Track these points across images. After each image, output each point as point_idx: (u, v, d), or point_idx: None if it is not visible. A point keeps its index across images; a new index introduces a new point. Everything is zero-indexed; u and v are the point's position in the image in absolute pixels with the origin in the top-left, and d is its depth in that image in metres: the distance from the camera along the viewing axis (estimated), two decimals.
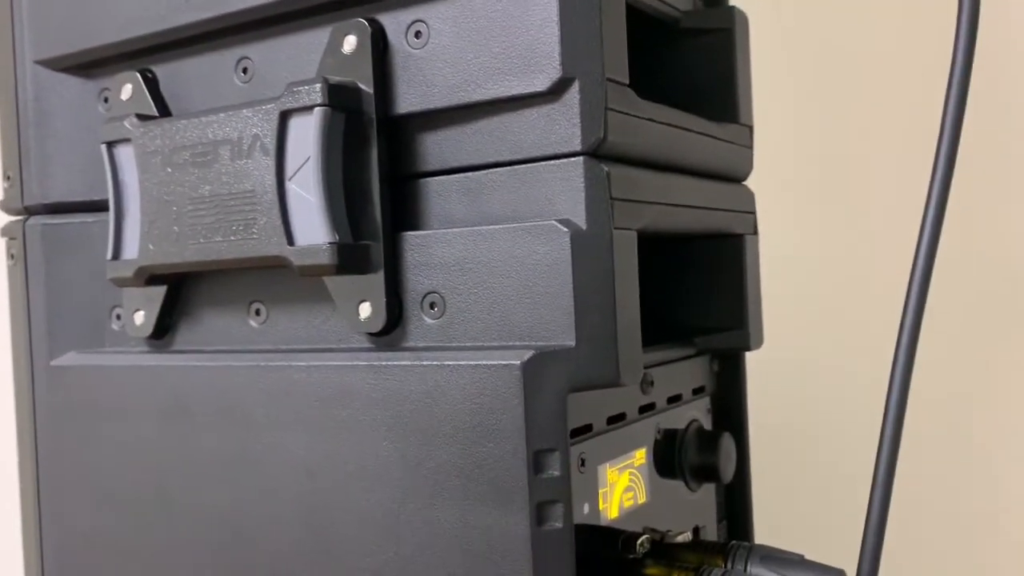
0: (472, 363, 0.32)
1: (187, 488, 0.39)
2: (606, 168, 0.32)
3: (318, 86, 0.33)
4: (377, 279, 0.34)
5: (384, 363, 0.34)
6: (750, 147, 0.45)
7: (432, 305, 0.34)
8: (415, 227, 0.35)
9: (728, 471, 0.42)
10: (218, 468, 0.38)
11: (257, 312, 0.38)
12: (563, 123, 0.32)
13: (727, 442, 0.42)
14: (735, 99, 0.43)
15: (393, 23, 0.35)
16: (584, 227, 0.32)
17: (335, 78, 0.34)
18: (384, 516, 0.34)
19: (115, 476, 0.41)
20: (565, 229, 0.32)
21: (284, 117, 0.34)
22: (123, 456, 0.40)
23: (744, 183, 0.45)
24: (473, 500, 0.32)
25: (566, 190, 0.32)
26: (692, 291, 0.44)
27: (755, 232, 0.45)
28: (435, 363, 0.33)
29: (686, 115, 0.38)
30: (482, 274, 0.33)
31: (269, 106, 0.34)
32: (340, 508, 0.35)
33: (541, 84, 0.32)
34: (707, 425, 0.45)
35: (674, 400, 0.42)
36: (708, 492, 0.46)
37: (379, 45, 0.34)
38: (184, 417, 0.39)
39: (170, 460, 0.39)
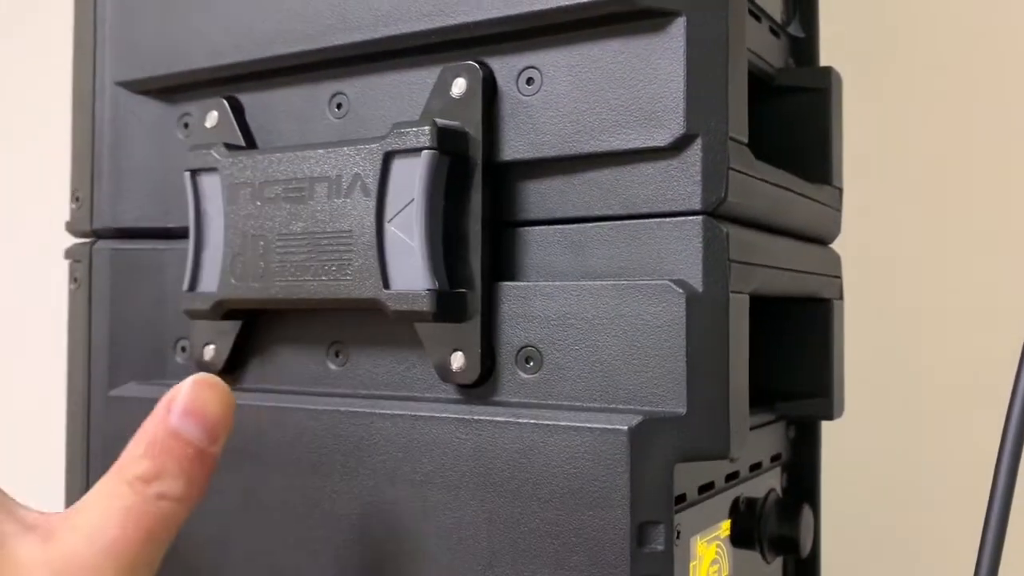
0: (574, 424, 0.31)
1: (249, 536, 0.37)
2: (725, 229, 0.31)
3: (427, 128, 0.32)
4: (472, 329, 0.33)
5: (476, 417, 0.33)
6: (839, 210, 0.44)
7: (528, 360, 0.33)
8: (513, 277, 0.34)
9: (807, 544, 0.41)
10: (285, 517, 0.36)
11: (337, 354, 0.37)
12: (683, 180, 0.31)
13: (807, 514, 0.41)
14: (828, 160, 0.42)
15: (504, 68, 0.34)
16: (700, 289, 0.30)
17: (443, 121, 0.33)
18: None
19: None
20: (680, 290, 0.30)
21: (388, 158, 0.33)
22: None
23: (831, 246, 0.44)
24: (567, 569, 0.31)
25: (682, 250, 0.31)
26: (774, 355, 0.42)
27: (841, 297, 0.43)
28: (532, 421, 0.31)
29: (791, 177, 0.37)
30: (585, 331, 0.32)
31: (373, 146, 0.33)
32: (417, 567, 0.33)
33: (662, 139, 0.31)
34: (780, 494, 0.44)
35: (755, 468, 0.41)
36: (778, 564, 0.44)
37: (489, 90, 0.33)
38: (251, 459, 0.37)
39: (233, 504, 0.37)
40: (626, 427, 0.30)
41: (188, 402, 0.29)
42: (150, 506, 0.28)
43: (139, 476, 0.29)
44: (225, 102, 0.39)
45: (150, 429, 0.30)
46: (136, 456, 0.29)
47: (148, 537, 0.28)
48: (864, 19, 0.63)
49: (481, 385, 0.34)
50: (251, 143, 0.39)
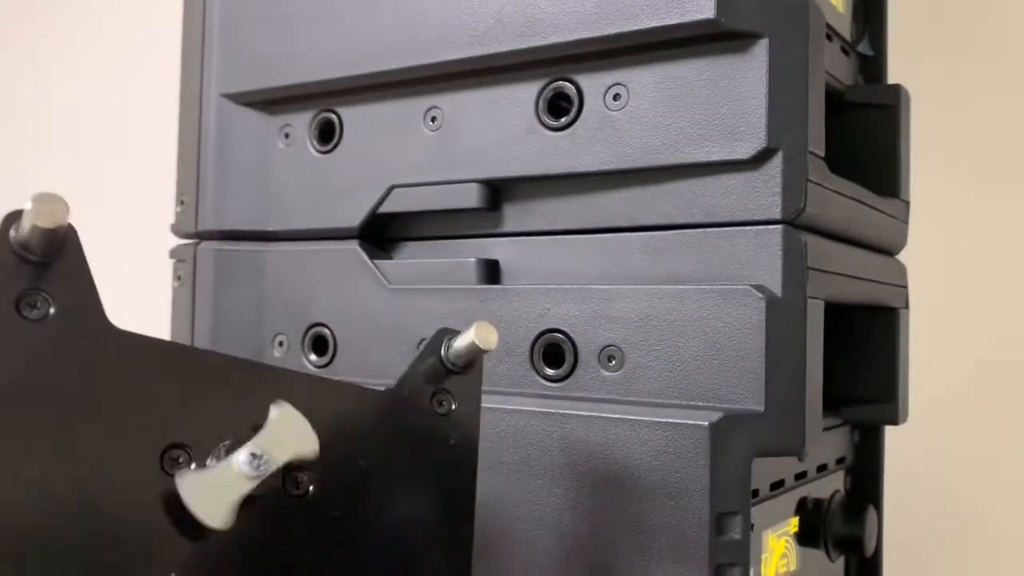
0: (656, 419, 0.33)
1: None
2: (804, 238, 0.33)
3: None
4: None
5: (561, 411, 0.35)
6: (906, 222, 0.45)
7: (610, 358, 0.35)
8: (593, 280, 0.36)
9: (871, 544, 0.42)
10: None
11: None
12: (764, 192, 0.33)
13: (871, 515, 0.42)
14: (897, 174, 0.44)
15: (592, 84, 0.36)
16: (779, 294, 0.32)
17: None
18: (550, 563, 0.34)
19: None
20: (760, 295, 0.32)
21: None
22: None
23: (897, 257, 0.45)
24: (648, 556, 0.32)
25: (762, 256, 0.33)
26: (842, 361, 0.44)
27: (907, 306, 0.45)
28: (615, 416, 0.34)
29: (863, 190, 0.39)
30: (666, 332, 0.34)
31: None
32: (505, 551, 0.35)
33: (744, 152, 0.33)
34: (844, 496, 0.45)
35: (822, 469, 0.42)
36: (839, 563, 0.45)
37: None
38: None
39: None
40: (707, 423, 0.32)
41: None
42: None
43: None
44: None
45: None
46: None
47: None
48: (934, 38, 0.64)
49: (565, 380, 0.36)
50: None
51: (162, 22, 0.54)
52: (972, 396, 0.63)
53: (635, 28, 0.34)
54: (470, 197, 0.39)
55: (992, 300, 0.63)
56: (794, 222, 0.33)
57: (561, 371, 0.36)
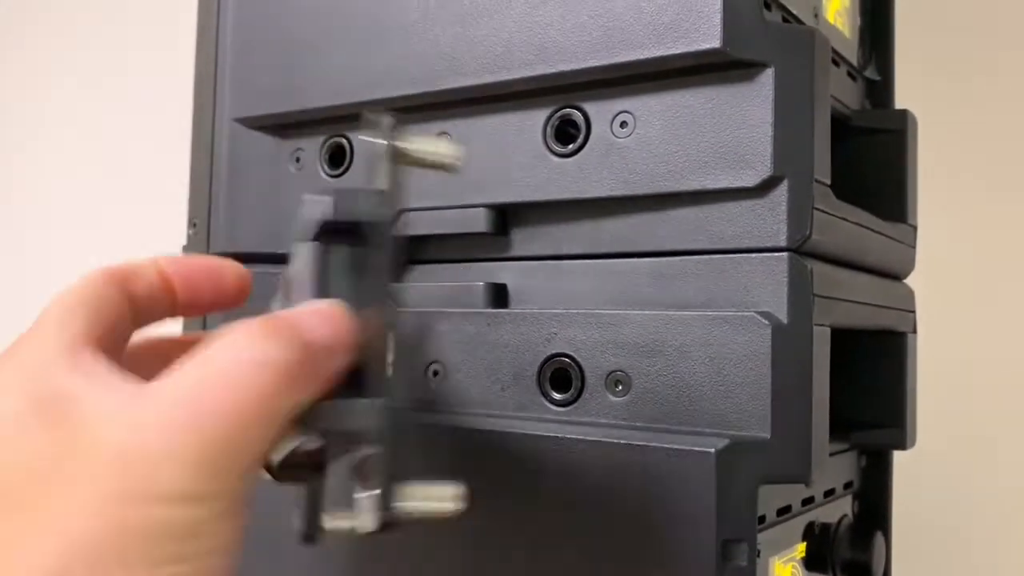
0: (663, 445, 0.33)
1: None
2: (809, 265, 0.33)
3: None
4: None
5: (568, 435, 0.35)
6: (914, 246, 0.45)
7: (617, 383, 0.35)
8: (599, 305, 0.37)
9: (879, 570, 0.42)
10: None
11: (435, 373, 0.40)
12: (769, 219, 0.33)
13: (879, 540, 0.42)
14: (904, 199, 0.44)
15: (599, 112, 0.36)
16: (785, 321, 0.32)
17: None
18: None
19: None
20: (766, 322, 0.32)
21: None
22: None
23: (904, 281, 0.45)
24: None
25: (767, 283, 0.33)
26: (849, 386, 0.44)
27: (915, 330, 0.45)
28: (622, 441, 0.34)
29: (869, 215, 0.39)
30: (672, 358, 0.34)
31: None
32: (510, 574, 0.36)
33: (749, 180, 0.33)
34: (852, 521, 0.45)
35: (829, 494, 0.42)
36: None
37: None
38: None
39: None
40: (713, 449, 0.32)
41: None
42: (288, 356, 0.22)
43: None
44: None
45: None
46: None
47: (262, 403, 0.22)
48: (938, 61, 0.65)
49: (572, 405, 0.36)
50: None
51: (176, 47, 0.55)
52: (980, 417, 0.62)
53: (642, 57, 0.34)
54: (478, 222, 0.39)
55: (1004, 318, 0.63)
56: (799, 249, 0.33)
57: (568, 395, 0.36)
